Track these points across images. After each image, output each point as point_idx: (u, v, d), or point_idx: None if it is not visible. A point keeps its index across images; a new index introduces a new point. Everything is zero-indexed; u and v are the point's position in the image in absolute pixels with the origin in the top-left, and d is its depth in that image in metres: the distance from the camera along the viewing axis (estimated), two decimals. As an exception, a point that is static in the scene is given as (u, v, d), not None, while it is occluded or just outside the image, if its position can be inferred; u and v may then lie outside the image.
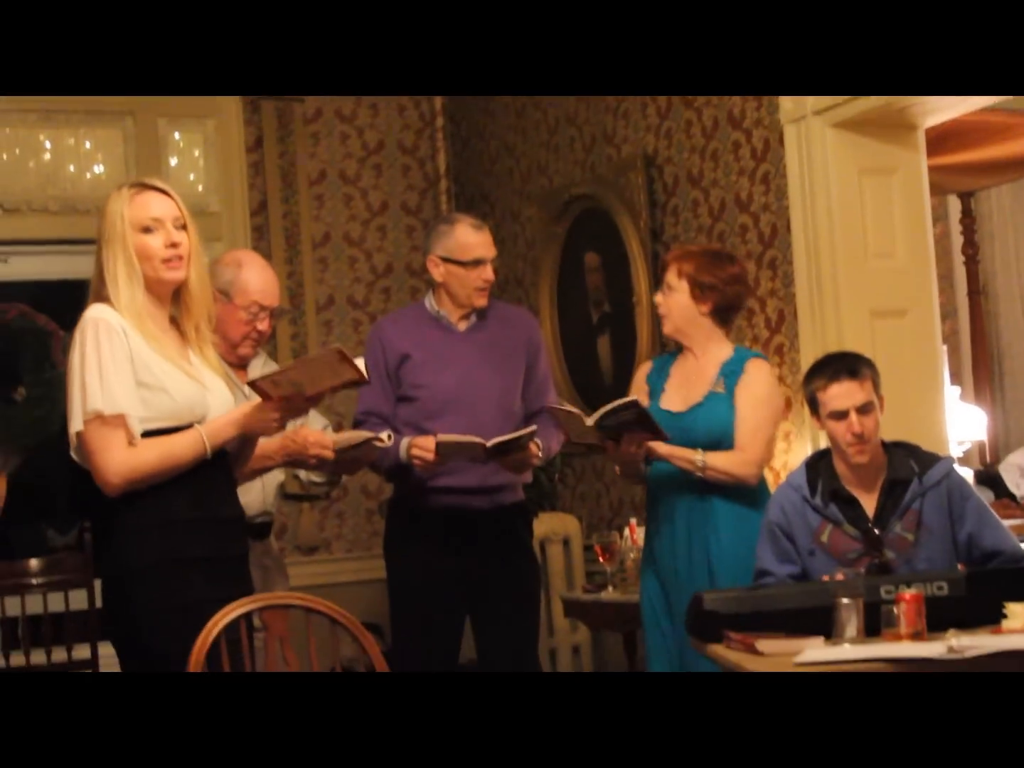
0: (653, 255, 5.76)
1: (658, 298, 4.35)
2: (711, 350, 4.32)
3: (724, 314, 4.32)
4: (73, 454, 3.34)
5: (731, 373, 4.27)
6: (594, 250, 6.25)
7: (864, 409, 3.82)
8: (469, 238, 4.43)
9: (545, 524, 5.93)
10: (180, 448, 3.35)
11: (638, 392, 4.37)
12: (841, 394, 3.84)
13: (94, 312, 3.32)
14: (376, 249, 6.99)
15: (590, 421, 4.09)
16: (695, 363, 4.34)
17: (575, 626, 5.94)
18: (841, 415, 3.83)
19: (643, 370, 4.47)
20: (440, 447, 4.22)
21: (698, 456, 4.15)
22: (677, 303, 4.29)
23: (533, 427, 4.26)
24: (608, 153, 6.10)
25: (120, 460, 3.26)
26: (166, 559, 3.31)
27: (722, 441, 4.21)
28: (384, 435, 4.13)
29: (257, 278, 4.22)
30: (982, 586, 3.53)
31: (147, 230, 3.36)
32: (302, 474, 4.40)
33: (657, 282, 4.40)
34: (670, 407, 4.29)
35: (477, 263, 4.42)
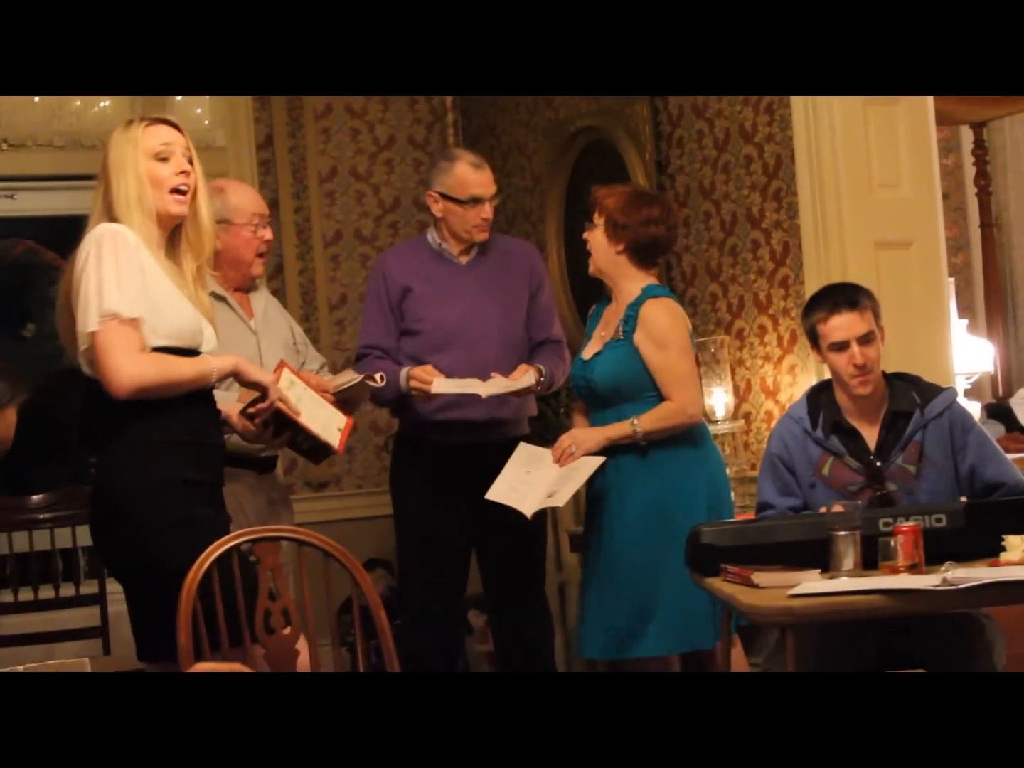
0: (659, 187, 5.71)
1: (585, 234, 4.34)
2: (625, 290, 4.31)
3: (641, 255, 4.29)
4: (82, 359, 3.36)
5: (629, 318, 4.25)
6: (600, 182, 6.18)
7: (865, 340, 3.79)
8: (468, 176, 4.42)
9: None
10: (188, 367, 3.42)
11: (584, 336, 4.44)
12: (841, 325, 3.81)
13: (110, 225, 3.39)
14: (383, 183, 6.95)
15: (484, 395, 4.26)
16: (614, 307, 4.35)
17: (581, 561, 5.94)
18: (842, 346, 3.81)
19: (589, 313, 4.50)
20: (438, 398, 4.24)
21: (631, 426, 4.16)
22: (596, 241, 4.30)
23: (529, 383, 4.27)
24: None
25: (132, 362, 3.31)
26: (172, 478, 3.37)
27: (619, 389, 4.23)
28: (377, 376, 4.15)
29: (245, 193, 4.36)
30: (981, 518, 3.52)
31: (159, 157, 3.44)
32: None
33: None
34: (584, 355, 4.34)
35: (475, 201, 4.41)
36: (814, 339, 3.91)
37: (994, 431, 5.59)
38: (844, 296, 3.87)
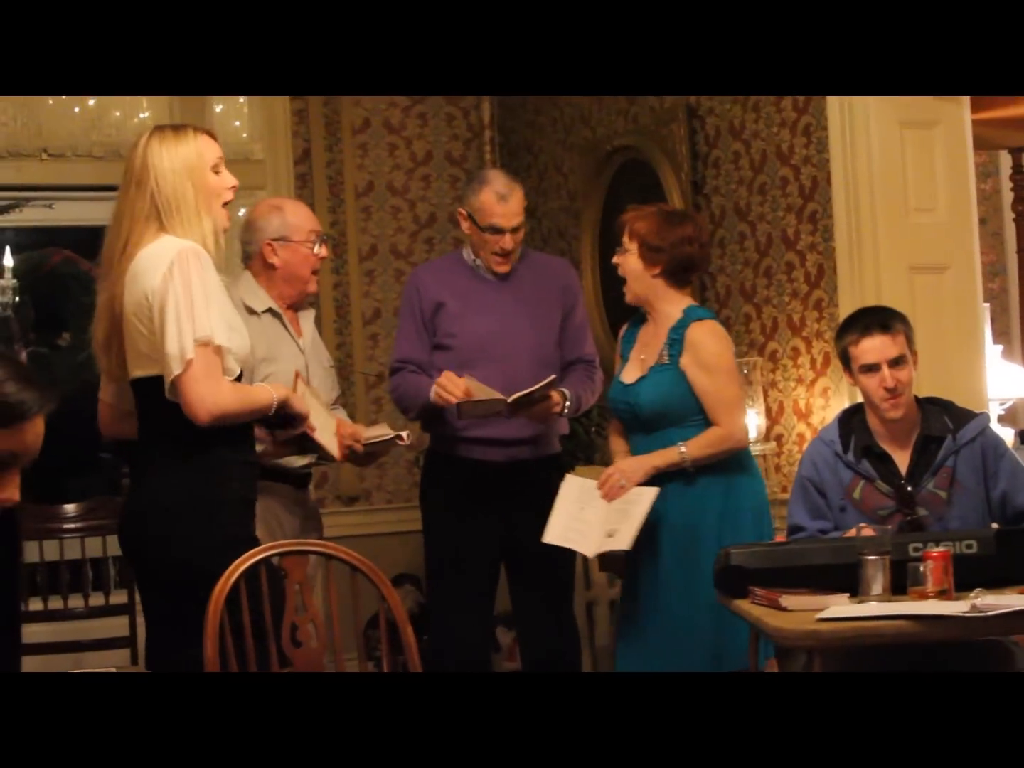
0: (694, 207, 5.71)
1: (616, 259, 4.30)
2: (664, 312, 4.27)
3: (677, 276, 4.26)
4: (168, 380, 3.33)
5: (674, 342, 4.22)
6: (636, 202, 6.18)
7: (896, 363, 3.79)
8: (491, 205, 4.42)
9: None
10: (261, 397, 3.49)
11: (617, 356, 4.41)
12: (873, 348, 3.81)
13: (191, 246, 3.37)
14: (419, 198, 6.96)
15: (511, 399, 4.18)
16: (652, 329, 4.30)
17: (612, 580, 5.93)
18: (873, 369, 3.81)
19: (620, 333, 4.45)
20: (462, 410, 4.22)
21: (679, 454, 4.12)
22: (631, 266, 4.26)
23: (550, 377, 4.24)
24: (651, 104, 6.05)
25: (218, 391, 3.33)
26: (239, 496, 3.45)
27: (666, 414, 4.18)
28: (404, 434, 4.20)
29: (302, 211, 4.41)
30: (1012, 545, 3.51)
31: (215, 170, 3.45)
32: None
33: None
34: (625, 378, 4.30)
35: (493, 231, 4.41)
36: (846, 361, 3.90)
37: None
38: (877, 319, 3.87)
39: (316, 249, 4.31)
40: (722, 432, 4.16)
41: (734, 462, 4.22)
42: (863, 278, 4.88)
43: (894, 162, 4.94)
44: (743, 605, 3.44)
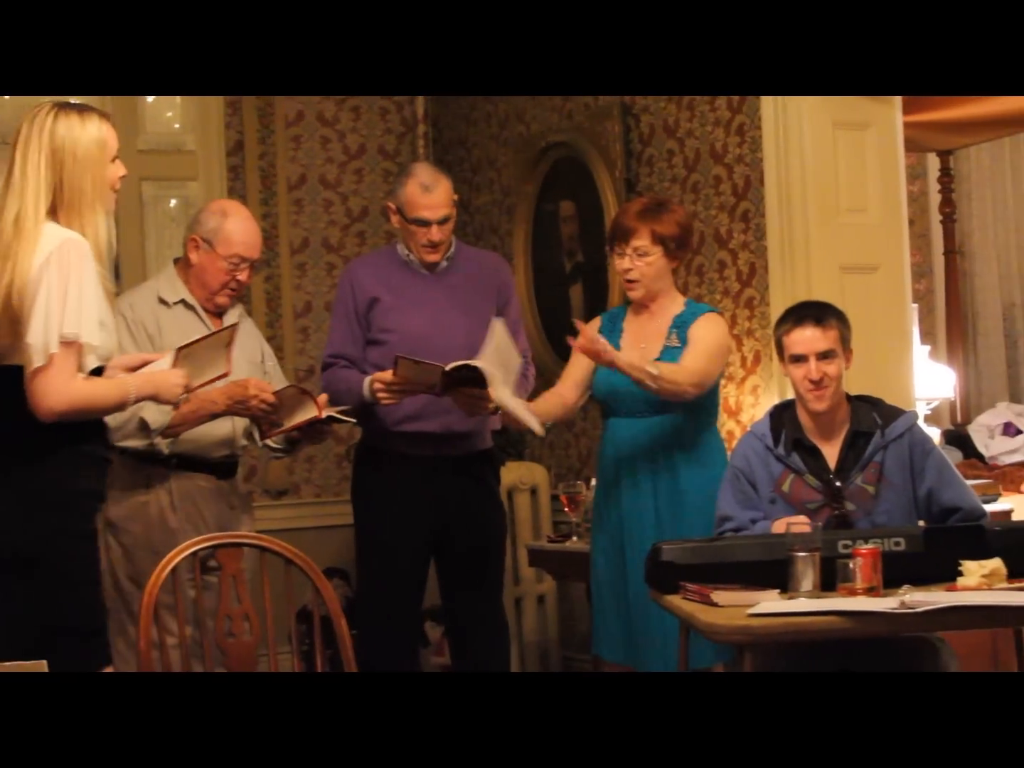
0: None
1: (626, 263, 4.25)
2: (666, 304, 4.32)
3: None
4: (26, 364, 3.24)
5: (683, 324, 4.26)
6: (569, 199, 6.22)
7: (824, 356, 3.83)
8: (415, 197, 4.40)
9: (513, 473, 5.93)
10: (114, 393, 3.37)
11: None
12: (803, 339, 3.86)
13: (73, 237, 3.27)
14: (352, 192, 6.94)
15: (448, 367, 4.10)
16: (650, 318, 4.32)
17: (540, 576, 5.95)
18: (801, 359, 3.86)
19: (594, 324, 4.41)
20: (400, 363, 4.18)
21: (653, 368, 4.07)
22: (655, 268, 4.26)
23: (482, 364, 4.24)
24: (585, 101, 6.06)
25: (67, 388, 3.22)
26: (89, 491, 3.35)
27: (665, 401, 4.17)
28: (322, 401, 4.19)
29: (241, 230, 4.26)
30: (939, 543, 3.54)
31: (112, 159, 3.39)
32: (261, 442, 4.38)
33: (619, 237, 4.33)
34: None
35: (420, 223, 4.40)
36: (780, 351, 3.94)
37: (952, 458, 5.62)
38: (812, 312, 3.92)
39: (234, 270, 4.23)
40: (686, 368, 4.15)
41: (718, 447, 4.29)
42: (794, 277, 4.93)
43: (826, 162, 4.99)
44: (674, 601, 3.46)
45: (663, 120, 5.60)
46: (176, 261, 4.38)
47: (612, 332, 4.34)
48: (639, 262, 4.24)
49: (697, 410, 4.26)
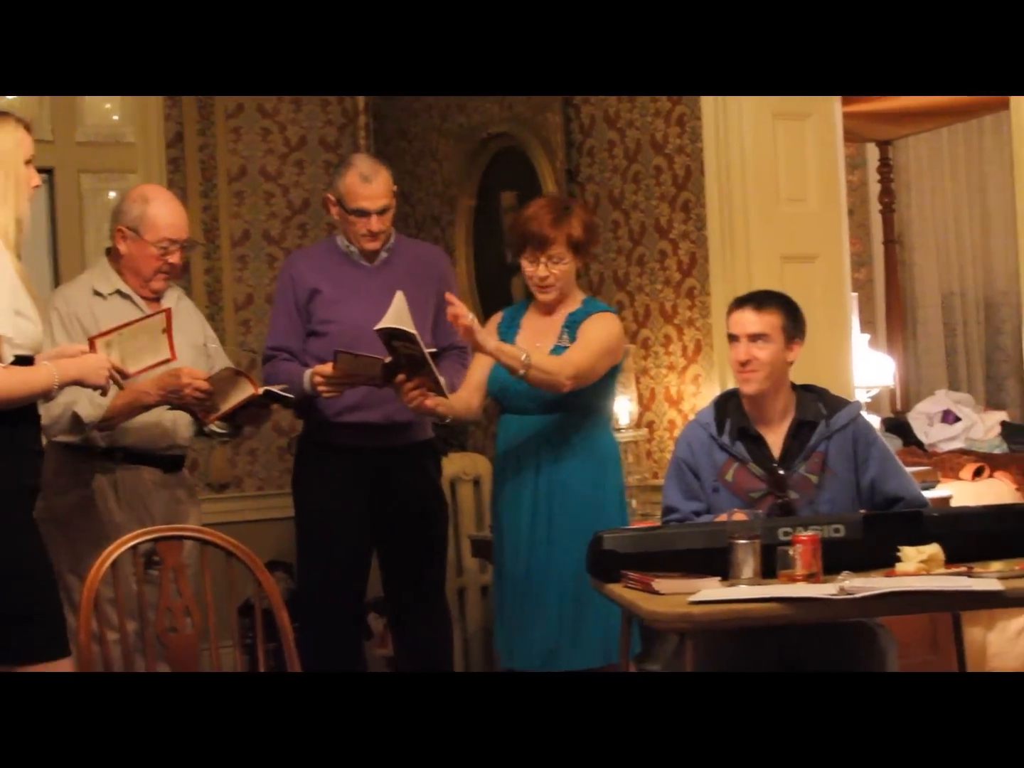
0: (569, 195, 5.73)
1: (541, 271, 4.21)
2: (567, 303, 4.30)
3: None
4: None
5: (575, 323, 4.25)
6: (510, 189, 6.22)
7: (756, 338, 3.85)
8: (355, 187, 4.40)
9: (456, 464, 5.93)
10: (36, 380, 3.35)
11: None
12: (738, 321, 3.91)
13: None
14: (293, 184, 6.91)
15: (387, 359, 4.06)
16: (548, 316, 4.30)
17: (484, 566, 5.95)
18: (734, 339, 3.89)
19: (495, 320, 4.41)
20: (339, 358, 4.18)
21: (523, 355, 4.04)
22: (568, 271, 4.26)
23: (431, 350, 4.23)
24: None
25: None
26: (23, 484, 3.32)
27: (568, 396, 4.15)
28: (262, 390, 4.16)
29: (166, 212, 4.24)
30: (878, 529, 3.57)
31: (28, 162, 3.40)
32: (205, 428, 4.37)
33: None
34: None
35: (360, 213, 4.40)
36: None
37: (892, 445, 5.66)
38: (755, 297, 3.96)
39: (164, 254, 4.22)
40: (564, 360, 4.12)
41: (606, 451, 4.26)
42: (735, 267, 4.95)
43: (766, 153, 5.01)
44: (616, 589, 3.47)
45: (604, 111, 5.61)
46: (108, 252, 4.35)
47: (511, 328, 4.34)
48: (554, 269, 4.22)
49: (586, 410, 4.22)
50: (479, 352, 4.11)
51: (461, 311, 3.95)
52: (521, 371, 4.03)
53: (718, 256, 5.01)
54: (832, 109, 5.15)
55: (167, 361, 3.87)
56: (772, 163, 5.02)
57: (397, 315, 3.99)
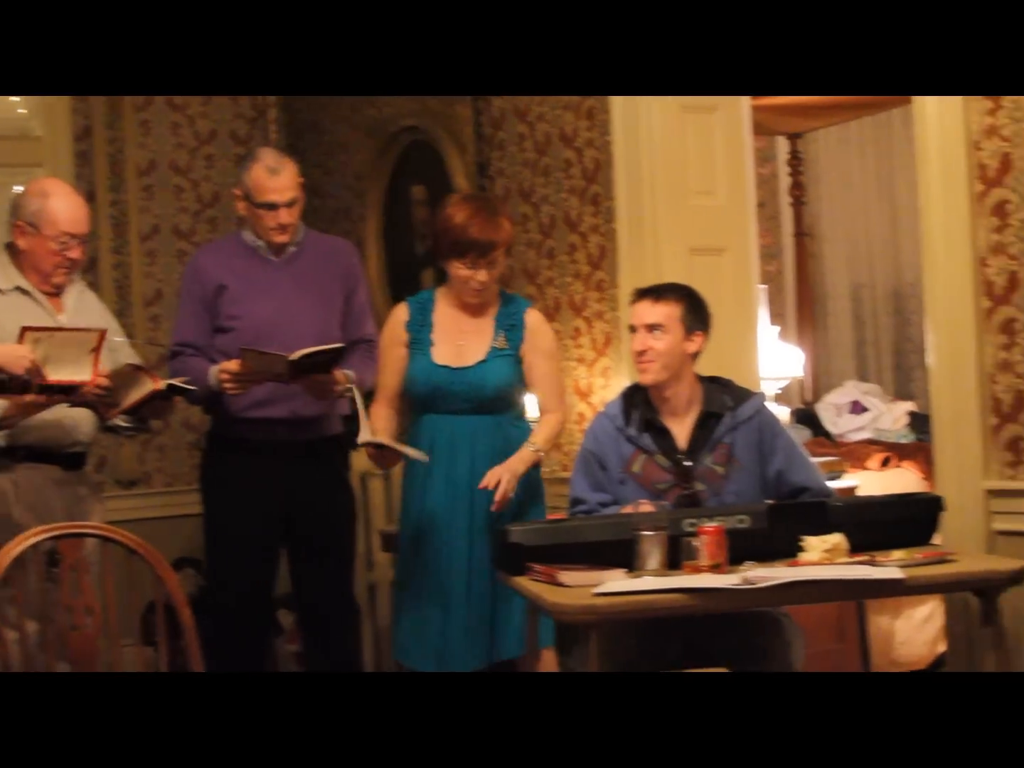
0: (480, 189, 5.73)
1: (482, 276, 4.24)
2: (490, 302, 4.35)
3: None
4: None
5: (511, 327, 4.30)
6: (421, 183, 6.21)
7: (653, 329, 3.87)
8: (262, 181, 4.38)
9: (365, 458, 5.89)
10: None
11: (395, 340, 4.36)
12: (636, 312, 3.95)
13: None
14: (203, 178, 6.85)
15: (293, 357, 4.09)
16: (467, 312, 4.33)
17: (394, 561, 5.92)
18: (633, 330, 3.92)
19: (400, 316, 4.40)
20: (245, 355, 4.17)
21: (533, 452, 4.21)
22: (499, 273, 4.32)
23: (338, 345, 4.22)
24: (437, 85, 6.05)
25: None
26: None
27: (508, 395, 4.29)
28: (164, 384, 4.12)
29: (64, 207, 4.20)
30: (783, 520, 3.60)
31: None
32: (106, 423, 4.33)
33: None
34: (448, 362, 4.29)
35: (268, 207, 4.38)
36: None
37: (800, 436, 5.71)
38: (656, 288, 3.99)
39: (63, 249, 4.17)
40: (559, 418, 4.35)
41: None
42: (643, 259, 4.95)
43: (675, 145, 5.01)
44: (522, 582, 3.47)
45: (514, 104, 5.61)
46: (8, 247, 4.30)
47: (423, 328, 4.35)
48: (493, 271, 4.26)
49: (513, 407, 4.34)
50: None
51: (491, 481, 4.11)
52: (542, 455, 4.25)
53: (627, 249, 5.02)
54: (740, 103, 5.17)
55: (84, 384, 3.86)
56: (680, 156, 5.02)
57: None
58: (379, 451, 4.19)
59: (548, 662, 4.21)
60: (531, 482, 4.28)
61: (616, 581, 3.30)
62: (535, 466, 4.28)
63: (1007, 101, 4.08)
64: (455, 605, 4.20)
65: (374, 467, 5.94)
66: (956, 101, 4.15)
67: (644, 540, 3.41)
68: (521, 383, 4.34)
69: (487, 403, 4.26)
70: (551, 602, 3.24)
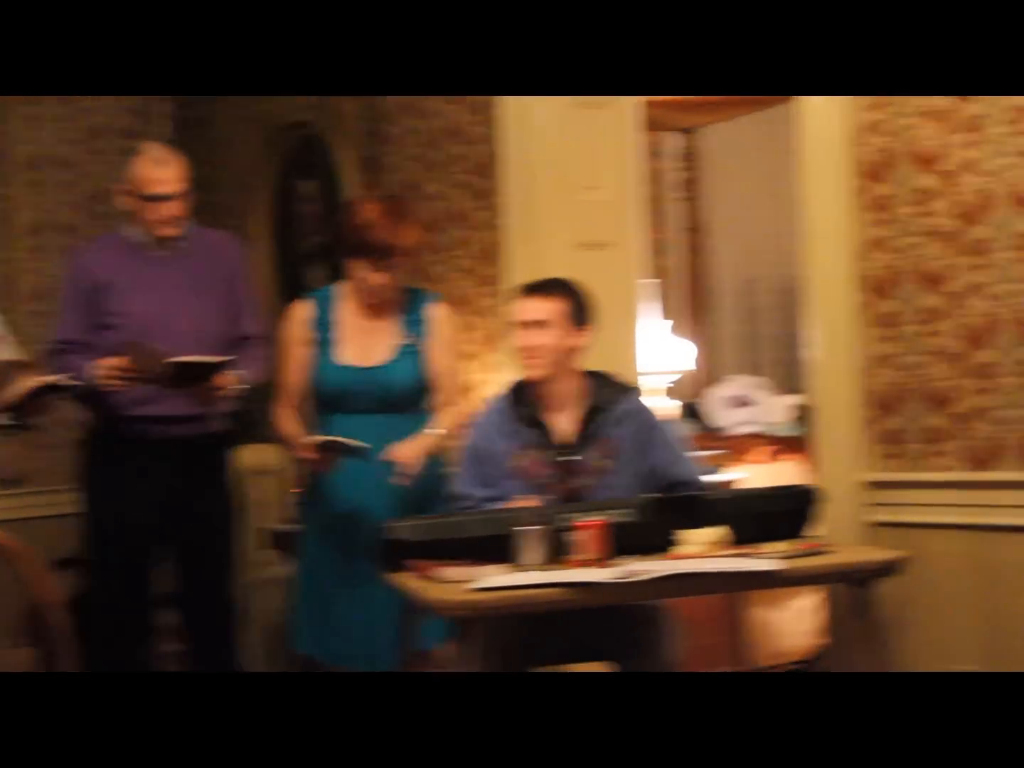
0: (369, 185, 5.70)
1: (382, 279, 4.23)
2: (394, 298, 4.33)
3: None
4: None
5: (415, 322, 4.30)
6: (311, 178, 6.18)
7: (537, 325, 3.87)
8: (148, 173, 4.33)
9: (251, 455, 5.84)
10: None
11: (299, 339, 4.33)
12: (522, 308, 3.93)
13: None
14: (91, 172, 6.77)
15: (173, 360, 4.07)
16: (371, 310, 4.31)
17: (278, 558, 5.88)
18: (517, 326, 3.91)
19: (302, 314, 4.37)
20: (126, 351, 4.12)
21: (437, 431, 4.21)
22: (396, 280, 4.29)
23: (221, 359, 4.19)
24: (327, 79, 6.02)
25: None
26: None
27: (417, 393, 4.29)
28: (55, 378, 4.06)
29: None
30: (663, 513, 3.60)
31: None
32: None
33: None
34: (354, 361, 4.27)
35: (156, 198, 4.33)
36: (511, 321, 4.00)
37: (689, 430, 5.75)
38: (541, 283, 3.97)
39: None
40: (460, 411, 4.33)
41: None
42: (531, 255, 4.96)
43: (563, 141, 5.02)
44: (401, 579, 3.46)
45: (404, 99, 5.59)
46: None
47: (326, 325, 4.33)
48: (394, 275, 4.25)
49: (423, 404, 4.32)
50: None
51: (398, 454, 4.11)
52: (444, 439, 4.24)
53: (515, 245, 5.02)
54: (629, 98, 5.18)
55: None
56: (569, 152, 5.03)
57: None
58: (325, 452, 4.13)
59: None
60: (434, 477, 4.26)
61: (495, 576, 3.30)
62: (439, 463, 4.27)
63: (888, 97, 4.14)
64: (365, 599, 4.16)
65: (259, 465, 5.93)
66: (837, 98, 4.20)
67: (524, 535, 3.41)
68: (429, 379, 4.32)
69: (396, 402, 4.24)
70: (431, 598, 3.23)
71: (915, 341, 4.13)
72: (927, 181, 4.09)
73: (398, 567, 3.51)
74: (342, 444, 4.09)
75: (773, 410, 6.01)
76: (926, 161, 4.09)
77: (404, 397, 4.26)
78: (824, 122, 4.24)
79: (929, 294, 4.10)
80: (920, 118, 4.10)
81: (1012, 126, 3.89)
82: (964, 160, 4.01)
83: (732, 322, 7.57)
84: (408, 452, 4.14)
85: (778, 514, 3.64)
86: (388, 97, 5.66)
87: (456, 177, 5.35)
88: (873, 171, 4.21)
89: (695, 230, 7.31)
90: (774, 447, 5.60)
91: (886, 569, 3.40)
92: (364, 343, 4.27)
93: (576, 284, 4.01)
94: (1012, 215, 3.91)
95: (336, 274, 5.70)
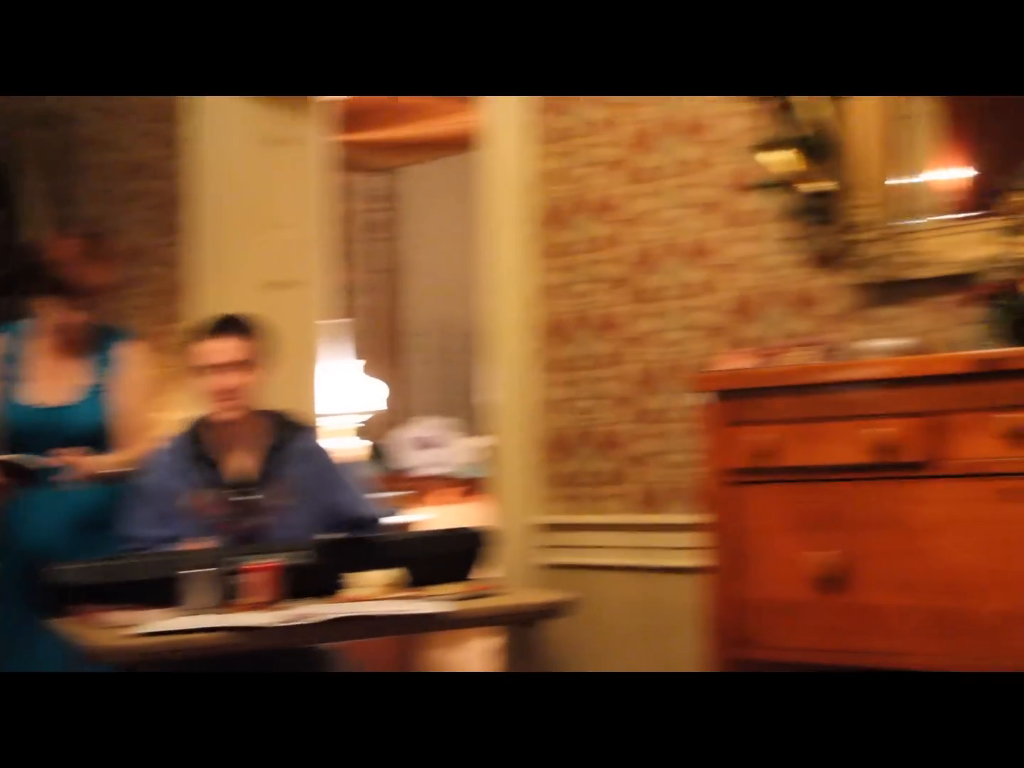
0: (58, 221, 5.56)
1: (77, 318, 4.16)
2: (85, 339, 4.25)
3: None
4: None
5: (104, 361, 4.22)
6: (-3, 207, 6.00)
7: (237, 367, 3.82)
8: None
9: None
10: None
11: None
12: (211, 349, 3.85)
13: None
14: None
15: None
16: (58, 347, 4.22)
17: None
18: (215, 369, 3.83)
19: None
20: None
21: (116, 460, 4.10)
22: (85, 318, 4.20)
23: None
24: (16, 107, 5.85)
25: None
26: None
27: (103, 432, 4.17)
28: None
29: None
30: (337, 555, 3.58)
31: None
32: None
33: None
34: (39, 401, 4.18)
35: None
36: (196, 362, 3.90)
37: (376, 470, 5.76)
38: (231, 323, 3.92)
39: None
40: (132, 453, 4.13)
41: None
42: (217, 292, 4.93)
43: (253, 178, 5.02)
44: (62, 623, 3.35)
45: (96, 129, 5.47)
46: None
47: (15, 361, 4.22)
48: (84, 314, 4.18)
49: (107, 445, 4.20)
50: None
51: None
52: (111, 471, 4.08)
53: (201, 282, 4.97)
54: (320, 136, 5.20)
55: None
56: (258, 189, 5.03)
57: None
58: (11, 476, 3.99)
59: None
60: (112, 510, 4.15)
61: (159, 621, 3.22)
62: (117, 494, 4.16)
63: (568, 145, 4.24)
64: (40, 645, 4.02)
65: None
66: (517, 146, 4.28)
67: (191, 579, 3.34)
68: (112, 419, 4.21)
69: (81, 443, 4.11)
70: (87, 644, 3.14)
71: (589, 386, 4.23)
72: (603, 229, 4.20)
73: (62, 611, 3.40)
74: (18, 465, 3.97)
75: (459, 452, 6.07)
76: (602, 209, 4.20)
77: (89, 437, 4.14)
78: (505, 169, 4.31)
79: (602, 340, 4.20)
80: (595, 167, 4.21)
81: (683, 178, 4.02)
82: (639, 210, 4.13)
83: (424, 363, 7.65)
84: (79, 457, 4.03)
85: (448, 556, 3.67)
86: (77, 129, 5.54)
87: (140, 213, 5.26)
88: (551, 218, 4.30)
89: (392, 271, 7.35)
90: (461, 488, 5.65)
91: (552, 611, 3.44)
92: (51, 383, 4.16)
93: (256, 320, 3.98)
94: (682, 264, 4.03)
95: (14, 309, 5.55)
